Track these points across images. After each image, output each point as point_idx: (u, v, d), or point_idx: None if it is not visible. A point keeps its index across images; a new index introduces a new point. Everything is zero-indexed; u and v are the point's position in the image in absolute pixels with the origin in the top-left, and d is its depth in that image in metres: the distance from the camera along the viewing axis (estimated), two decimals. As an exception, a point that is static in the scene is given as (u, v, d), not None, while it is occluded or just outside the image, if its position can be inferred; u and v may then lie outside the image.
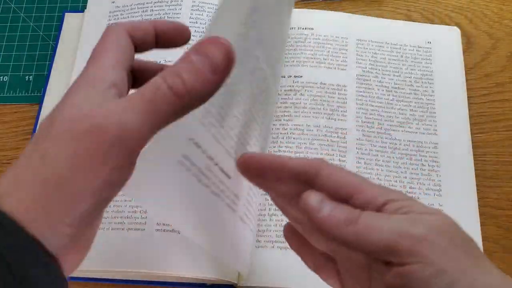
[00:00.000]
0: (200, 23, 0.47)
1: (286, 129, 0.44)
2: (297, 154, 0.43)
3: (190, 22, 0.47)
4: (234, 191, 0.31)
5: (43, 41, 0.51)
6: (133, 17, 0.48)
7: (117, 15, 0.49)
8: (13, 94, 0.49)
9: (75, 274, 0.39)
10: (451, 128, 0.45)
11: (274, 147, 0.44)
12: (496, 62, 0.49)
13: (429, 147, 0.44)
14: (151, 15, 0.48)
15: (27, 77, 0.50)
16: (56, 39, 0.50)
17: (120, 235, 0.38)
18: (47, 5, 0.53)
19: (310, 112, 0.45)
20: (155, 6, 0.48)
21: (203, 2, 0.48)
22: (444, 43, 0.49)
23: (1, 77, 0.50)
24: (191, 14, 0.48)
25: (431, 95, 0.47)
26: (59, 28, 0.51)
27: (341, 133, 0.44)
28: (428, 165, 0.43)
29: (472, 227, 0.41)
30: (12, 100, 0.48)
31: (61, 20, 0.51)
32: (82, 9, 0.51)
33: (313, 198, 0.23)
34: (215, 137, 0.29)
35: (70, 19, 0.51)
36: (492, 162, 0.45)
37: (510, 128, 0.46)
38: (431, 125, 0.45)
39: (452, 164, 0.44)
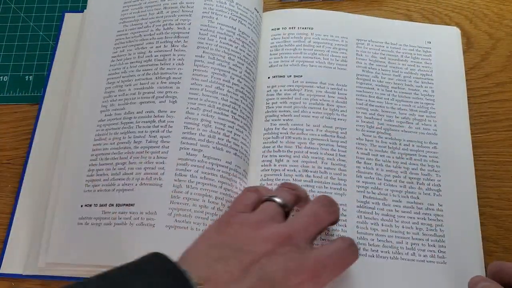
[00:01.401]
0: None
1: (286, 129, 0.44)
2: (297, 154, 0.43)
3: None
4: (145, 211, 0.38)
5: (43, 41, 0.51)
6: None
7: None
8: (13, 94, 0.49)
9: (81, 273, 0.39)
10: (451, 128, 0.45)
11: (274, 147, 0.44)
12: (496, 62, 0.49)
13: (429, 147, 0.44)
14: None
15: (27, 77, 0.50)
16: (56, 39, 0.50)
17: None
18: (47, 5, 0.53)
19: (310, 112, 0.45)
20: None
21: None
22: (444, 43, 0.49)
23: (1, 77, 0.50)
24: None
25: (431, 95, 0.47)
26: (59, 28, 0.51)
27: (341, 132, 0.44)
28: (428, 165, 0.43)
29: (472, 227, 0.41)
30: (12, 100, 0.49)
31: (61, 20, 0.51)
32: (82, 9, 0.51)
33: (474, 279, 0.35)
34: (101, 190, 0.40)
35: (70, 19, 0.51)
36: (492, 162, 0.45)
37: (510, 128, 0.46)
38: (430, 125, 0.45)
39: (452, 164, 0.44)
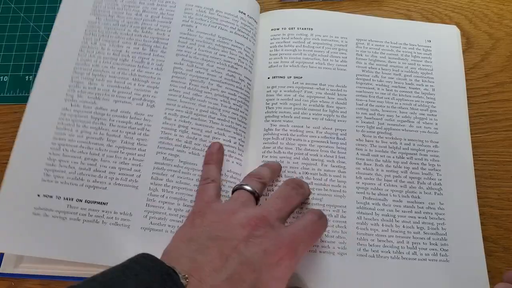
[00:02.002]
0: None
1: (286, 130, 0.44)
2: (297, 156, 0.43)
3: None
4: (120, 211, 0.39)
5: (43, 41, 0.51)
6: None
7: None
8: (13, 94, 0.49)
9: (81, 273, 0.39)
10: (451, 127, 0.45)
11: (275, 147, 0.44)
12: (496, 62, 0.49)
13: (430, 146, 0.44)
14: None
15: (27, 77, 0.50)
16: (56, 39, 0.50)
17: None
18: (47, 5, 0.53)
19: (310, 114, 0.45)
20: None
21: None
22: (443, 41, 0.49)
23: (1, 77, 0.50)
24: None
25: (432, 93, 0.47)
26: (59, 28, 0.51)
27: (341, 134, 0.44)
28: (429, 164, 0.43)
29: (472, 227, 0.41)
30: (12, 100, 0.49)
31: (61, 20, 0.51)
32: (82, 9, 0.51)
33: (499, 286, 0.33)
34: (65, 182, 0.39)
35: (70, 19, 0.51)
36: (492, 162, 0.45)
37: (510, 128, 0.46)
38: (431, 123, 0.45)
39: (452, 163, 0.44)
